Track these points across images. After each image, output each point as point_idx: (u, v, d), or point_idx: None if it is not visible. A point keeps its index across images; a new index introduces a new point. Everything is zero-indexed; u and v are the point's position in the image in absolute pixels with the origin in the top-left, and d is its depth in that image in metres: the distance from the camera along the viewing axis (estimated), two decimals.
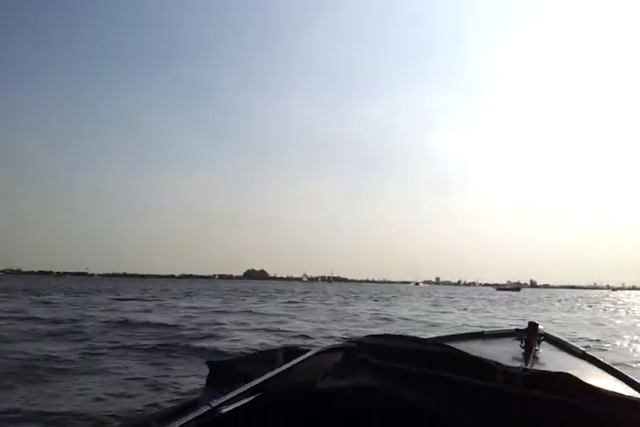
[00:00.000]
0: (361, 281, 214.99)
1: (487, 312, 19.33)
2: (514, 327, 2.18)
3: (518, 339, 2.00)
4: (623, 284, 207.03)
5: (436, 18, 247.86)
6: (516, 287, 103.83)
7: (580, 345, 2.22)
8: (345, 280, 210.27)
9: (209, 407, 1.11)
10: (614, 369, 1.94)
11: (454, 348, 1.39)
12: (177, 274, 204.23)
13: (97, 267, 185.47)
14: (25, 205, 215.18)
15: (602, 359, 2.04)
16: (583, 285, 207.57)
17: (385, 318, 13.65)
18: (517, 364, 1.68)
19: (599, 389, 1.15)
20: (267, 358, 1.40)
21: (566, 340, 2.24)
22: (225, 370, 1.38)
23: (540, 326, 2.04)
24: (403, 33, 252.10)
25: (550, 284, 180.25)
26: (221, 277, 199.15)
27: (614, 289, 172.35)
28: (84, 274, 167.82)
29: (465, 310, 20.74)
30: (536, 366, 1.73)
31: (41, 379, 4.78)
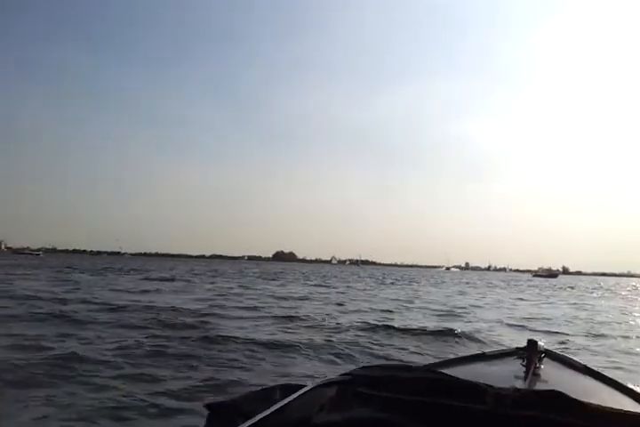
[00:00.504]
0: (388, 265, 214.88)
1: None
2: (514, 346, 2.20)
3: (520, 357, 1.99)
4: None
5: (468, 2, 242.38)
6: (554, 274, 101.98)
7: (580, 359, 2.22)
8: (373, 264, 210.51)
9: None
10: (617, 382, 1.94)
11: (447, 374, 1.43)
12: (207, 254, 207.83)
13: (130, 247, 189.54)
14: (55, 190, 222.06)
15: (604, 373, 2.06)
16: (616, 272, 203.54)
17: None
18: (518, 383, 1.71)
19: (592, 405, 1.16)
20: (264, 395, 1.40)
21: (568, 355, 2.25)
22: (224, 411, 1.37)
23: (540, 343, 2.05)
24: (432, 19, 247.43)
25: (583, 270, 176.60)
26: (250, 258, 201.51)
27: None
28: (118, 253, 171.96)
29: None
30: (538, 384, 1.75)
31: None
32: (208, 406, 1.38)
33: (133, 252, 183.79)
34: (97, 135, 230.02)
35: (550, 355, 2.16)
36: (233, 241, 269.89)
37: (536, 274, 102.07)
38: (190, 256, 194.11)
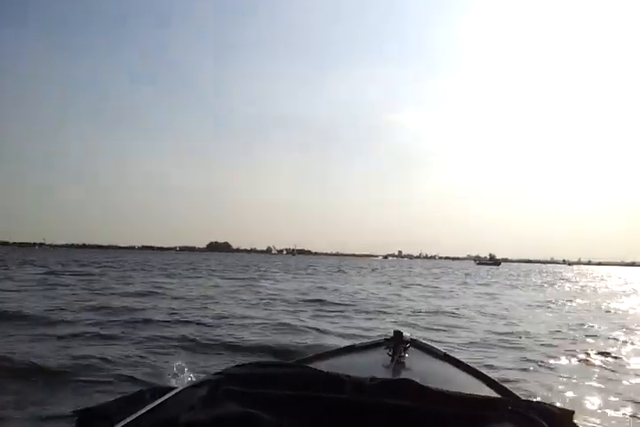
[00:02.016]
0: (326, 254, 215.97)
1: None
2: (383, 337, 2.29)
3: (388, 348, 2.10)
4: (579, 259, 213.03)
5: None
6: (497, 262, 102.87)
7: (442, 347, 2.40)
8: (309, 253, 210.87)
9: None
10: (472, 368, 2.11)
11: (312, 368, 1.55)
12: (138, 245, 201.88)
13: (55, 237, 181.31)
14: None
15: (462, 360, 2.23)
16: (540, 259, 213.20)
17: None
18: (383, 372, 1.85)
19: (441, 390, 1.26)
20: (134, 399, 1.37)
21: (431, 344, 2.40)
22: (93, 417, 1.33)
23: (406, 333, 2.16)
24: (377, 7, 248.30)
25: (509, 258, 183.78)
26: (183, 249, 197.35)
27: (570, 264, 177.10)
28: (41, 245, 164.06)
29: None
30: (401, 372, 1.88)
31: None
32: (76, 413, 1.34)
33: (60, 243, 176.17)
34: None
35: (415, 344, 2.28)
36: (167, 232, 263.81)
37: (479, 262, 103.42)
38: (120, 247, 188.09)
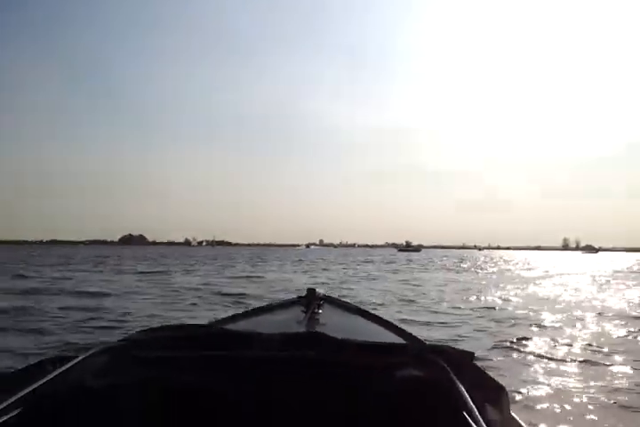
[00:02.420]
0: (245, 245, 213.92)
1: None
2: (297, 296, 2.35)
3: (302, 305, 2.18)
4: (489, 244, 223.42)
5: None
6: (417, 248, 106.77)
7: (353, 301, 2.69)
8: (228, 244, 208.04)
9: None
10: (383, 319, 2.20)
11: (221, 328, 1.57)
12: (45, 239, 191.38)
13: None
14: None
15: (373, 312, 2.35)
16: (453, 245, 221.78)
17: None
18: (297, 328, 1.85)
19: (350, 340, 1.28)
20: (34, 369, 1.29)
21: (344, 300, 2.55)
22: None
23: (319, 290, 2.27)
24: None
25: (424, 244, 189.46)
26: (93, 242, 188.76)
27: (480, 249, 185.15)
28: None
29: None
30: (316, 327, 1.91)
31: None
32: None
33: None
34: None
35: (328, 300, 2.36)
36: (77, 225, 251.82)
37: (400, 249, 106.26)
38: (27, 242, 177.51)
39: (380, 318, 2.23)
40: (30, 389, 1.15)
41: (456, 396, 1.12)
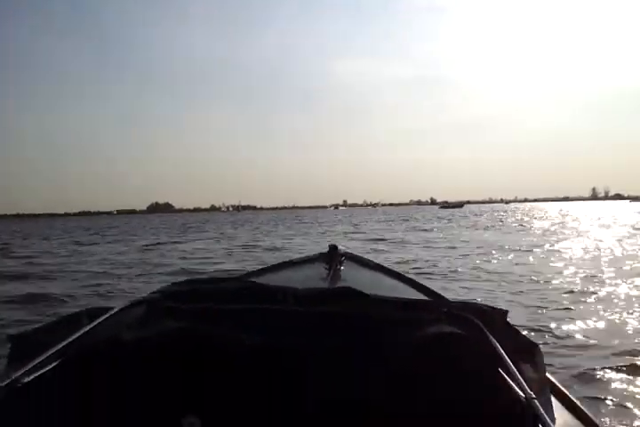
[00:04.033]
0: (274, 208, 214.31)
1: None
2: (319, 253, 2.37)
3: (324, 262, 2.22)
4: (516, 197, 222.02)
5: None
6: (460, 204, 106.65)
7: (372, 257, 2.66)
8: (254, 208, 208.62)
9: (8, 380, 1.05)
10: (404, 276, 2.28)
11: (253, 281, 1.58)
12: (73, 211, 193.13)
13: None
14: None
15: (393, 268, 2.45)
16: (479, 199, 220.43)
17: None
18: (321, 284, 1.90)
19: (376, 296, 1.29)
20: (70, 322, 1.31)
21: (364, 256, 2.53)
22: (29, 341, 1.28)
23: (340, 247, 2.29)
24: None
25: (448, 200, 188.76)
26: (121, 212, 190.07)
27: (507, 202, 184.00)
28: None
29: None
30: (338, 283, 1.91)
31: None
32: (11, 338, 1.31)
33: None
34: None
35: (349, 257, 2.36)
36: (102, 195, 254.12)
37: (442, 206, 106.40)
38: (53, 215, 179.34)
39: (404, 276, 2.27)
40: (66, 342, 1.15)
41: (491, 352, 1.12)
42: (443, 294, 2.03)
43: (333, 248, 2.25)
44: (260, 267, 2.40)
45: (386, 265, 2.43)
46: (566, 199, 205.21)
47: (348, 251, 2.40)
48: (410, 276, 2.24)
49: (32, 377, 1.06)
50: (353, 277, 2.07)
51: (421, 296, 1.87)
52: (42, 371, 1.07)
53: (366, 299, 1.27)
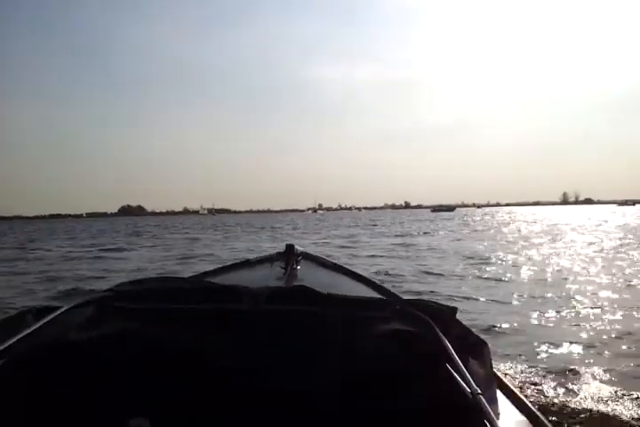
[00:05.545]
0: (245, 212, 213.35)
1: None
2: (275, 252, 2.36)
3: (280, 261, 2.21)
4: (488, 201, 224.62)
5: None
6: (452, 208, 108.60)
7: (329, 258, 2.61)
8: (228, 212, 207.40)
9: None
10: (359, 275, 2.27)
11: (206, 281, 1.60)
12: (45, 214, 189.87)
13: None
14: None
15: (349, 268, 2.39)
16: (452, 203, 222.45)
17: None
18: (276, 283, 1.88)
19: (331, 294, 1.30)
20: (15, 321, 1.25)
21: (322, 256, 2.54)
22: None
23: (297, 247, 2.32)
24: None
25: (423, 204, 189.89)
26: (91, 215, 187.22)
27: (479, 206, 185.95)
28: None
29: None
30: (294, 282, 1.91)
31: None
32: None
33: None
34: None
35: (306, 256, 2.39)
36: (74, 198, 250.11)
37: (434, 209, 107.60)
38: (26, 218, 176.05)
39: (358, 275, 2.27)
40: (8, 343, 1.10)
41: (440, 349, 1.14)
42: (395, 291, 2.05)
43: (290, 247, 2.28)
44: (216, 266, 2.38)
45: (342, 264, 2.45)
46: (537, 204, 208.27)
47: (305, 250, 2.43)
48: (365, 275, 2.27)
49: None
50: (309, 276, 2.09)
51: (375, 295, 1.90)
52: None
53: (320, 297, 1.28)
